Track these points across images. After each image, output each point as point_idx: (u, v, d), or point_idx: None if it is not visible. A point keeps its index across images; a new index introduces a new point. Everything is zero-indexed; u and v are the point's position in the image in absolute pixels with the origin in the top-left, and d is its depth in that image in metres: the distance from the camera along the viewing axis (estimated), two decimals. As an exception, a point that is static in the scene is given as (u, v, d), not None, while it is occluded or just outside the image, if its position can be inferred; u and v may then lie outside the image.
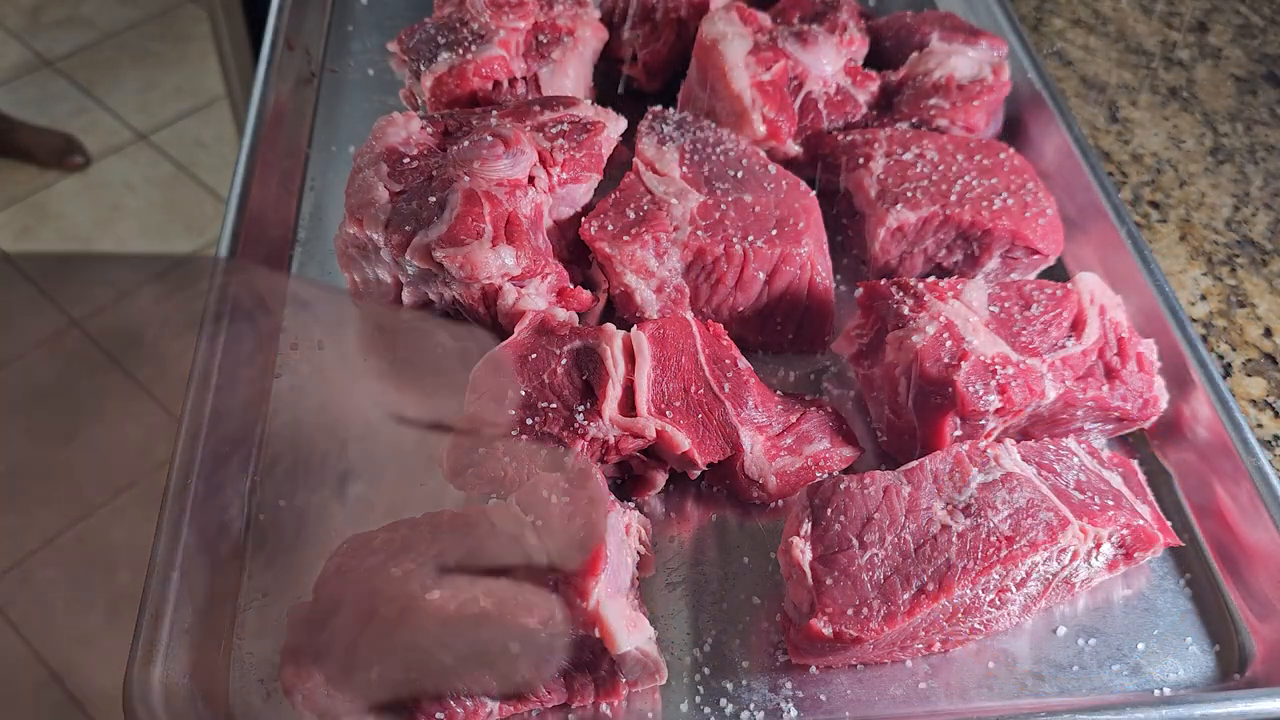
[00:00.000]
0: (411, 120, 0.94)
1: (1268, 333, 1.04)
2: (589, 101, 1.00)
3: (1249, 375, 1.00)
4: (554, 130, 0.94)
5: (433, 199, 0.85)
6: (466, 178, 0.86)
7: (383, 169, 0.89)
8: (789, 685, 0.75)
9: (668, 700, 0.74)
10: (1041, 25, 1.40)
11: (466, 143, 0.90)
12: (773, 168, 0.98)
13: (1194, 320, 1.04)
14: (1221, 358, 1.01)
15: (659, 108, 1.03)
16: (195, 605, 0.74)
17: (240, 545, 0.81)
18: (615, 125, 0.98)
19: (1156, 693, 0.76)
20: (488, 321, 0.89)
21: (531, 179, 0.90)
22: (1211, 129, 1.25)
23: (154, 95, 3.18)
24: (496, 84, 1.05)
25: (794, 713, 0.73)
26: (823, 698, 0.74)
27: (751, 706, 0.73)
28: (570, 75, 1.09)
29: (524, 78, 1.07)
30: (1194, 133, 1.25)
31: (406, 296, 0.90)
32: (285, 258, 1.02)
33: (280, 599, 0.78)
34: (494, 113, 0.95)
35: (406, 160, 0.90)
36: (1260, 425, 0.96)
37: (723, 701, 0.74)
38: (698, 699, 0.74)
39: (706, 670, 0.75)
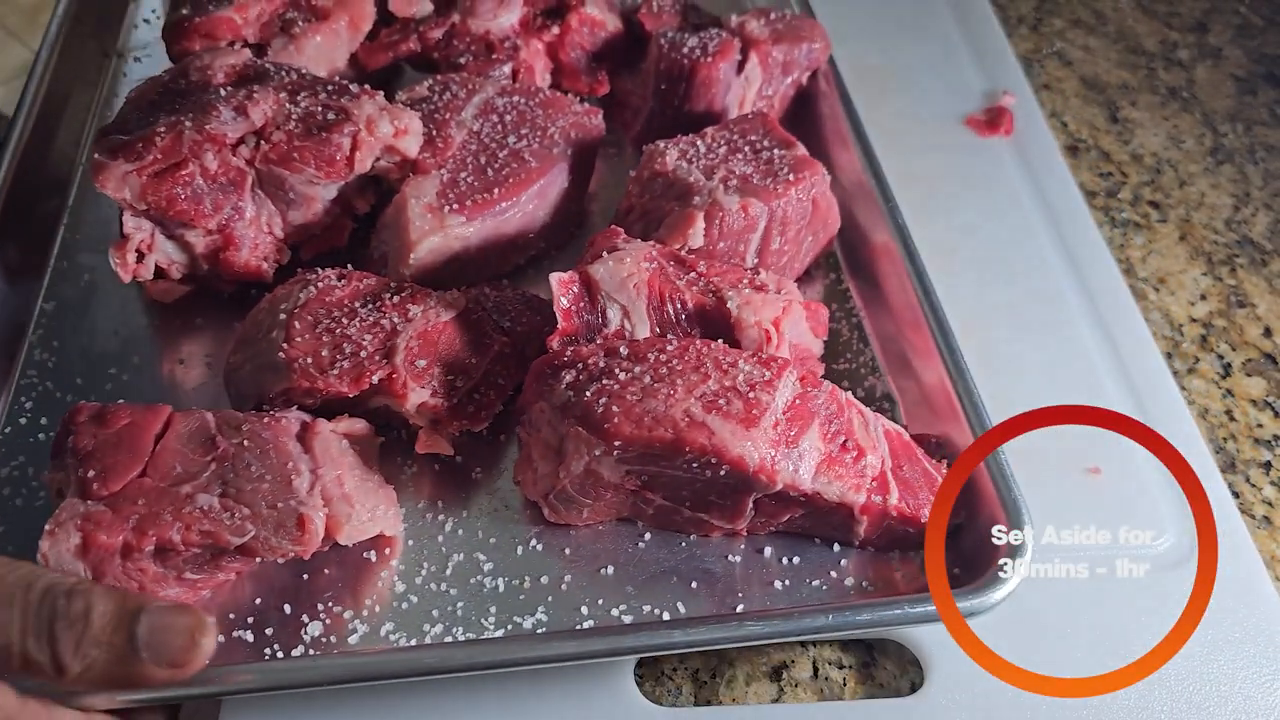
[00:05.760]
0: (209, 55, 0.95)
1: (1267, 332, 1.04)
2: (372, 96, 0.92)
3: (1249, 375, 1.00)
4: (299, 109, 0.91)
5: (151, 118, 0.89)
6: (183, 116, 0.88)
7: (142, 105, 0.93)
8: (493, 610, 0.75)
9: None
10: (1041, 25, 1.40)
11: (210, 92, 0.91)
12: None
13: (1194, 320, 1.04)
14: (1221, 358, 1.01)
15: None
16: None
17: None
18: (380, 130, 0.91)
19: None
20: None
21: (240, 142, 0.89)
22: (1211, 129, 1.25)
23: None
24: (226, 44, 1.02)
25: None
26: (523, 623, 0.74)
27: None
28: (305, 57, 1.04)
29: (259, 44, 1.03)
30: (1194, 133, 1.25)
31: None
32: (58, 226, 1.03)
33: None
34: (270, 79, 0.93)
35: (159, 100, 0.92)
36: (1260, 425, 0.96)
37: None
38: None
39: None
